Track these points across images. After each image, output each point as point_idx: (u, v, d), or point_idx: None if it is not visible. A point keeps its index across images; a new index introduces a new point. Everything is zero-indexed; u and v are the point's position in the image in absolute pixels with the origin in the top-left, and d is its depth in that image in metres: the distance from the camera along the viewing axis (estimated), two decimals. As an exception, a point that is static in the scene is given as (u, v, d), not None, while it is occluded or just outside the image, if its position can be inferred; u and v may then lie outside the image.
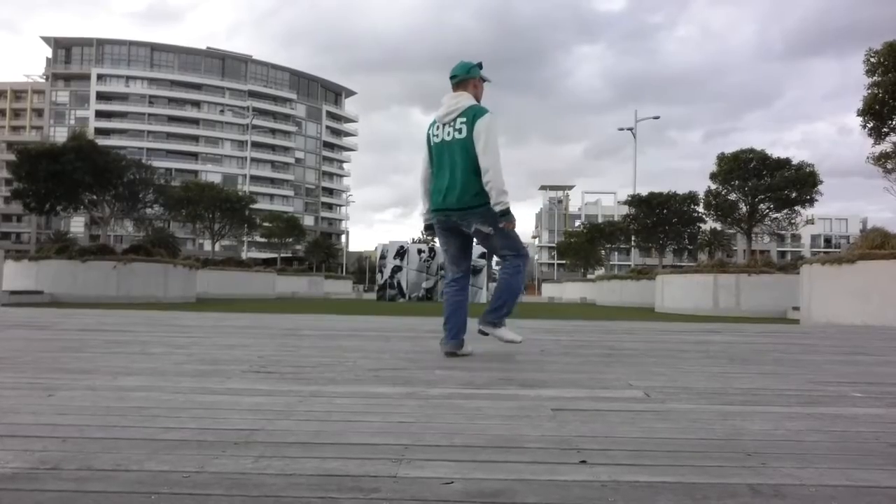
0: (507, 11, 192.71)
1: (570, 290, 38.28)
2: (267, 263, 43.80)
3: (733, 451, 1.69)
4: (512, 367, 3.32)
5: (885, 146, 19.46)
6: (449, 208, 3.66)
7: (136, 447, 1.62)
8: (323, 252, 67.92)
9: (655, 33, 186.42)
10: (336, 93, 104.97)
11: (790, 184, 28.90)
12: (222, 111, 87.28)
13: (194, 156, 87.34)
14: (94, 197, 29.61)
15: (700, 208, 33.98)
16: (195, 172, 78.33)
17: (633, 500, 1.30)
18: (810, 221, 34.43)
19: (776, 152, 30.95)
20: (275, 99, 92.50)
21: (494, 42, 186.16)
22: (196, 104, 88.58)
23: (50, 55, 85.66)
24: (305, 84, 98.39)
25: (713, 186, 31.11)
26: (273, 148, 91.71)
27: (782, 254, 76.52)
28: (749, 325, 8.86)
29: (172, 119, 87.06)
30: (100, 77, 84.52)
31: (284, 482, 1.37)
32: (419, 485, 1.36)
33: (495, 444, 1.71)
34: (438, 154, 3.71)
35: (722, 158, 30.30)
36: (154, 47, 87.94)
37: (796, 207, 30.09)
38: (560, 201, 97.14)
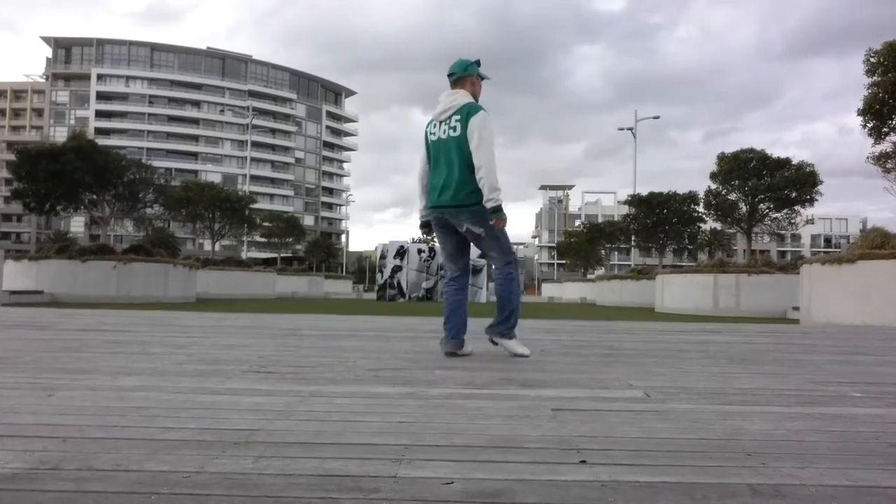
0: (507, 11, 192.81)
1: (569, 290, 38.28)
2: (267, 263, 43.78)
3: (733, 451, 1.69)
4: (512, 367, 3.32)
5: (885, 146, 19.46)
6: (443, 205, 3.67)
7: (136, 447, 1.62)
8: (323, 252, 67.91)
9: (655, 33, 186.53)
10: (336, 93, 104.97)
11: (790, 184, 28.90)
12: (222, 111, 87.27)
13: (194, 156, 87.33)
14: (94, 197, 29.60)
15: (700, 208, 33.99)
16: (195, 172, 78.32)
17: (633, 500, 1.30)
18: (810, 221, 34.42)
19: (776, 152, 30.96)
20: (275, 99, 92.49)
21: (494, 42, 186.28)
22: (196, 104, 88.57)
23: (50, 55, 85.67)
24: (305, 84, 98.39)
25: (713, 186, 31.10)
26: (273, 148, 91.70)
27: (782, 254, 76.52)
28: (749, 325, 8.86)
29: (172, 119, 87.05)
30: (100, 77, 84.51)
31: (284, 482, 1.37)
32: (419, 485, 1.36)
33: (495, 444, 1.71)
34: (435, 152, 3.72)
35: (722, 158, 30.30)
36: (154, 47, 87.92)
37: (796, 207, 30.09)
38: (560, 201, 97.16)
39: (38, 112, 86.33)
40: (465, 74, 3.76)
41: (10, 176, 29.41)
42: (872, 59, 18.76)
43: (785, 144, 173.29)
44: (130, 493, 1.29)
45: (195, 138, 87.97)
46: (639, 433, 1.88)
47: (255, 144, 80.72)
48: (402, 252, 25.47)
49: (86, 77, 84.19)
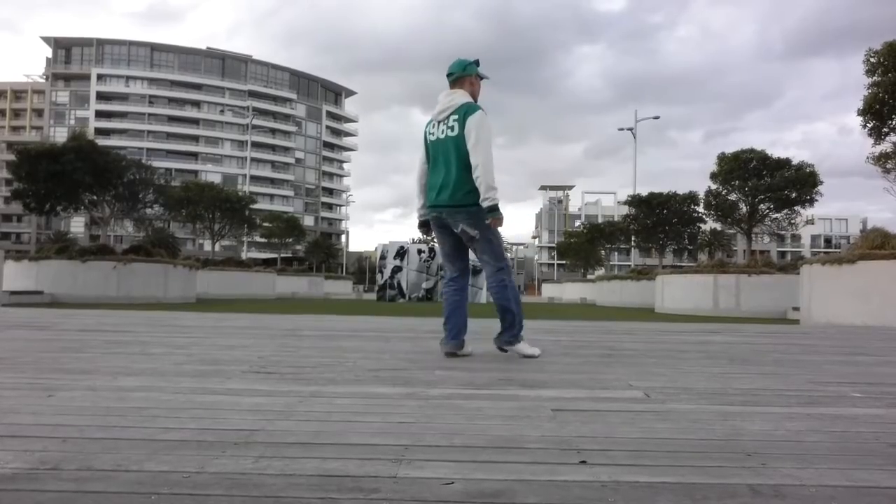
0: (508, 11, 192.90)
1: (569, 291, 38.29)
2: (267, 263, 43.78)
3: (733, 451, 1.69)
4: (512, 368, 3.32)
5: (885, 146, 19.47)
6: (441, 205, 3.67)
7: (135, 447, 1.62)
8: (323, 252, 67.90)
9: (655, 33, 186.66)
10: (336, 93, 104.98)
11: (790, 184, 28.90)
12: (222, 111, 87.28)
13: (194, 156, 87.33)
14: (94, 197, 29.61)
15: (700, 208, 34.00)
16: (195, 172, 78.31)
17: (633, 500, 1.30)
18: (810, 221, 34.44)
19: (776, 152, 31.00)
20: (275, 99, 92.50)
21: (495, 42, 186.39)
22: (196, 104, 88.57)
23: (50, 55, 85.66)
24: (305, 84, 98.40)
25: (713, 186, 31.11)
26: (273, 148, 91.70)
27: (782, 254, 76.50)
28: (749, 325, 8.86)
29: (172, 119, 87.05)
30: (100, 77, 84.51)
31: (284, 482, 1.37)
32: (419, 485, 1.36)
33: (495, 445, 1.71)
34: (434, 152, 3.73)
35: (722, 158, 30.31)
36: (154, 47, 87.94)
37: (796, 207, 30.09)
38: (560, 201, 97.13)
39: (38, 112, 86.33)
40: (463, 74, 3.76)
41: (10, 176, 29.40)
42: (872, 59, 18.77)
43: (785, 144, 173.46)
44: (130, 494, 1.29)
45: (195, 138, 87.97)
46: (639, 433, 1.88)
47: (255, 144, 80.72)
48: (402, 252, 25.47)
49: (86, 77, 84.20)
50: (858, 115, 19.27)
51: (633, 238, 39.81)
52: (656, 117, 40.51)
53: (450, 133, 3.62)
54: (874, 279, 10.01)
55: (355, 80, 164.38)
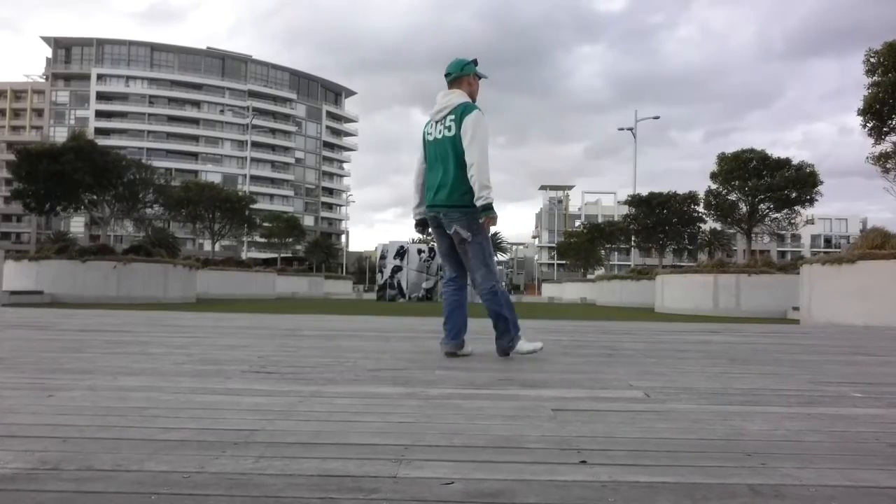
0: (508, 12, 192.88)
1: (569, 291, 38.29)
2: (267, 263, 43.80)
3: (733, 451, 1.69)
4: (512, 368, 3.32)
5: (885, 146, 19.48)
6: (438, 205, 3.67)
7: (136, 447, 1.62)
8: (323, 252, 67.92)
9: (656, 33, 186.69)
10: (336, 93, 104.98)
11: (790, 184, 28.92)
12: (222, 111, 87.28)
13: (194, 156, 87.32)
14: (94, 197, 29.63)
15: (700, 208, 34.02)
16: (195, 172, 78.27)
17: (633, 500, 1.30)
18: (810, 221, 34.48)
19: (776, 152, 31.01)
20: (275, 99, 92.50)
21: (495, 42, 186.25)
22: (196, 104, 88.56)
23: (50, 55, 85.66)
24: (305, 84, 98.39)
25: (713, 186, 31.13)
26: (273, 148, 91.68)
27: (782, 254, 76.49)
28: (749, 325, 8.86)
29: (172, 119, 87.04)
30: (100, 77, 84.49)
31: (284, 482, 1.37)
32: (419, 485, 1.36)
33: (495, 445, 1.71)
34: (432, 152, 3.73)
35: (722, 158, 30.33)
36: (154, 47, 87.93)
37: (796, 207, 30.12)
38: (560, 201, 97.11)
39: (38, 112, 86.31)
40: (461, 74, 3.76)
41: (10, 176, 29.42)
42: (872, 60, 18.78)
43: (785, 144, 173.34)
44: (130, 494, 1.29)
45: (195, 138, 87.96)
46: (639, 433, 1.89)
47: (255, 144, 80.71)
48: (402, 252, 25.47)
49: (86, 77, 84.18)
50: (858, 115, 19.29)
51: (633, 238, 39.84)
52: (656, 117, 40.52)
53: (447, 133, 3.62)
54: (874, 279, 10.01)
55: (356, 80, 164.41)
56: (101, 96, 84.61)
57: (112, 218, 31.73)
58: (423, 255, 25.42)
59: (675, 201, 34.74)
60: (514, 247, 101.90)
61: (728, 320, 12.07)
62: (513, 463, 1.55)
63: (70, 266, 15.92)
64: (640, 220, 36.47)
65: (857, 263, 10.30)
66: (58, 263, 15.96)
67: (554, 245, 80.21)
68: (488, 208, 3.52)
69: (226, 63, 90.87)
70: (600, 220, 60.71)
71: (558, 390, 2.63)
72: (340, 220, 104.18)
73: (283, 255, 59.36)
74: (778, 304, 15.45)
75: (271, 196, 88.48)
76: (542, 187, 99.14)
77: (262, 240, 57.82)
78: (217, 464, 1.49)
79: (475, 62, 3.83)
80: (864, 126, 19.34)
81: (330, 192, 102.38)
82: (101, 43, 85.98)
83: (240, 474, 1.41)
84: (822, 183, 29.26)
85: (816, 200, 29.81)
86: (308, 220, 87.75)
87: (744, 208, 30.54)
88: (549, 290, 48.07)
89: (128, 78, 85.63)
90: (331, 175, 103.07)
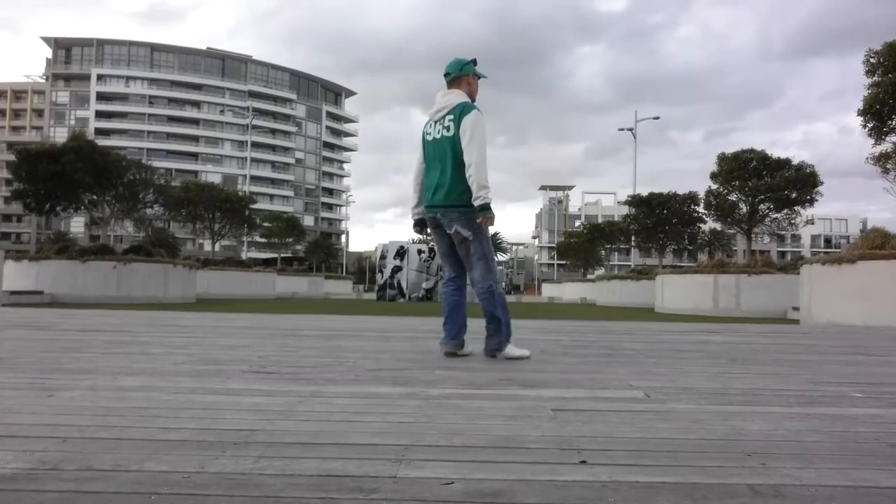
0: (508, 12, 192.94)
1: (569, 291, 38.29)
2: (267, 263, 43.79)
3: (733, 451, 1.69)
4: (512, 368, 3.32)
5: (886, 146, 19.48)
6: (436, 205, 3.67)
7: (136, 447, 1.62)
8: (323, 252, 67.91)
9: (656, 33, 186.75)
10: (336, 93, 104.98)
11: (790, 184, 28.93)
12: (222, 111, 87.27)
13: (194, 156, 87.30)
14: (94, 197, 29.63)
15: (700, 208, 34.03)
16: (195, 172, 78.26)
17: (633, 500, 1.30)
18: (810, 222, 34.48)
19: (776, 152, 31.05)
20: (275, 99, 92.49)
21: (495, 42, 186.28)
22: (196, 104, 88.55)
23: (50, 55, 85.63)
24: (305, 84, 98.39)
25: (713, 186, 31.14)
26: (273, 148, 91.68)
27: (782, 254, 76.47)
28: (749, 325, 8.86)
29: (172, 119, 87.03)
30: (100, 77, 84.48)
31: (284, 482, 1.37)
32: (419, 485, 1.36)
33: (495, 445, 1.71)
34: (431, 152, 3.73)
35: (722, 158, 30.34)
36: (154, 47, 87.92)
37: (796, 207, 30.12)
38: (560, 201, 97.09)
39: (39, 112, 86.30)
40: (460, 74, 3.75)
41: (11, 176, 29.43)
42: (872, 60, 18.78)
43: (785, 144, 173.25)
44: (130, 494, 1.29)
45: (195, 139, 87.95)
46: (639, 433, 1.88)
47: (255, 145, 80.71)
48: (402, 252, 25.47)
49: (86, 77, 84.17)
50: (858, 115, 19.29)
51: (633, 238, 39.84)
52: (656, 117, 40.56)
53: (445, 133, 3.62)
54: (874, 279, 10.01)
55: (356, 80, 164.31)
56: (101, 96, 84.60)
57: (112, 218, 31.73)
58: (423, 255, 25.42)
59: (675, 201, 34.75)
60: (514, 247, 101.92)
61: (728, 320, 12.07)
62: (513, 463, 1.55)
63: (70, 266, 15.92)
64: (640, 221, 36.47)
65: (857, 263, 10.30)
66: (58, 263, 15.97)
67: (554, 245, 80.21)
68: (486, 208, 3.51)
69: (226, 63, 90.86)
70: (600, 220, 60.71)
71: (558, 390, 2.63)
72: (340, 220, 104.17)
73: (283, 255, 59.36)
74: (778, 304, 15.45)
75: (271, 196, 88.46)
76: (542, 187, 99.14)
77: (262, 240, 57.82)
78: (217, 464, 1.49)
79: (474, 62, 3.82)
80: (864, 126, 19.35)
81: (330, 192, 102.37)
82: (101, 43, 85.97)
83: (240, 474, 1.41)
84: (822, 183, 29.28)
85: (816, 201, 29.83)
86: (308, 220, 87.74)
87: (744, 208, 30.55)
88: (549, 291, 48.08)
89: (128, 78, 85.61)
90: (331, 175, 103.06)
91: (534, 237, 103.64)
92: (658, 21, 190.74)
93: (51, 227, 72.72)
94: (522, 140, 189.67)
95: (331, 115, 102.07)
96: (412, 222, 4.00)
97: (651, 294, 20.59)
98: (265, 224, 50.47)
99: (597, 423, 2.00)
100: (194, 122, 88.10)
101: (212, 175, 75.52)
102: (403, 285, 25.23)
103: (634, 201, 36.11)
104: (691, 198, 34.35)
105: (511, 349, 3.67)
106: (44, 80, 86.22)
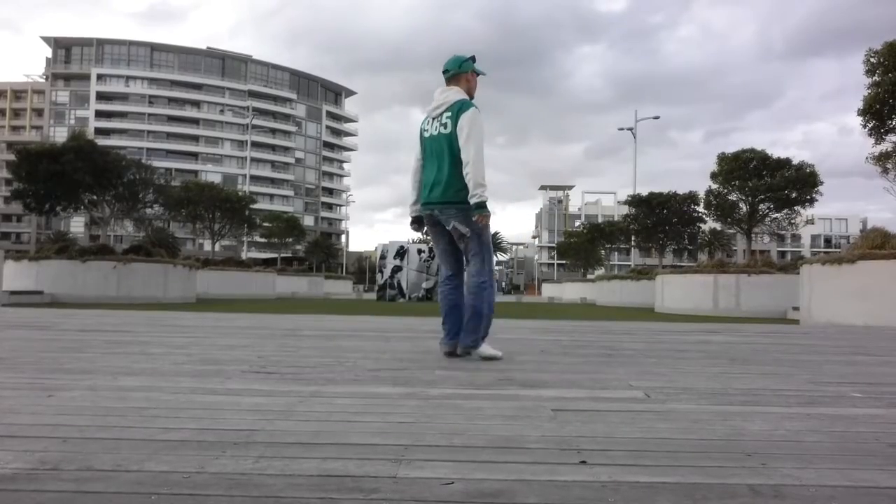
0: (508, 12, 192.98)
1: (569, 291, 38.27)
2: (267, 263, 43.79)
3: (733, 451, 1.69)
4: (512, 368, 3.32)
5: (886, 146, 19.49)
6: (433, 202, 3.66)
7: (136, 447, 1.62)
8: (323, 252, 67.94)
9: (656, 33, 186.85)
10: (336, 93, 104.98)
11: (790, 184, 28.96)
12: (222, 111, 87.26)
13: (194, 156, 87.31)
14: (94, 197, 29.65)
15: (700, 208, 34.05)
16: (195, 172, 78.27)
17: (633, 500, 1.30)
18: (810, 221, 34.52)
19: (777, 152, 31.07)
20: (275, 99, 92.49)
21: (495, 42, 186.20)
22: (196, 104, 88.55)
23: (50, 55, 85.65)
24: (305, 84, 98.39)
25: (714, 186, 31.16)
26: (273, 148, 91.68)
27: (782, 254, 76.47)
28: (749, 325, 8.86)
29: (172, 119, 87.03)
30: (100, 77, 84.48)
31: (284, 482, 1.37)
32: (419, 485, 1.36)
33: (495, 445, 1.71)
34: (428, 148, 3.73)
35: (722, 158, 30.36)
36: (154, 47, 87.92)
37: (796, 207, 30.15)
38: (560, 201, 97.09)
39: (38, 112, 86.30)
40: (459, 71, 3.75)
41: (10, 176, 29.44)
42: (872, 60, 18.79)
43: (785, 144, 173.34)
44: (130, 494, 1.29)
45: (195, 138, 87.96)
46: (639, 433, 1.88)
47: (255, 144, 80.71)
48: (402, 252, 25.47)
49: (86, 77, 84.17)
50: (858, 115, 19.31)
51: (633, 238, 39.85)
52: (656, 117, 40.53)
53: (443, 130, 3.62)
54: (874, 279, 10.01)
55: (356, 80, 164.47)
56: (101, 96, 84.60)
57: (112, 218, 31.75)
58: (423, 255, 25.41)
59: (675, 201, 34.78)
60: (514, 247, 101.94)
61: (728, 320, 12.07)
62: (513, 463, 1.55)
63: (70, 266, 15.91)
64: (640, 220, 36.49)
65: (857, 263, 10.30)
66: (58, 263, 15.96)
67: (554, 245, 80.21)
68: (482, 206, 3.51)
69: (226, 63, 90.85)
70: (600, 220, 60.73)
71: (558, 390, 2.63)
72: (340, 220, 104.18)
73: (283, 255, 59.37)
74: (778, 304, 15.44)
75: (271, 196, 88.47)
76: (542, 187, 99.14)
77: (262, 240, 57.85)
78: (217, 464, 1.49)
79: (473, 59, 3.82)
80: (864, 126, 19.36)
81: (330, 192, 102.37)
82: (101, 43, 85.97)
83: (240, 474, 1.41)
84: (822, 183, 29.32)
85: (816, 200, 29.87)
86: (308, 220, 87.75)
87: (744, 208, 30.58)
88: (549, 290, 48.05)
89: (128, 78, 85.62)
90: (331, 175, 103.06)
91: (534, 237, 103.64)
92: (658, 21, 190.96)
93: (51, 227, 72.73)
94: (522, 140, 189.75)
95: (331, 115, 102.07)
96: (410, 219, 3.99)
97: (651, 294, 20.59)
98: (265, 224, 50.48)
99: (597, 424, 2.00)
100: (194, 121, 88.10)
101: (212, 175, 75.53)
102: (403, 285, 25.23)
103: (634, 201, 36.13)
104: (691, 198, 34.37)
105: (486, 348, 3.63)
106: (44, 80, 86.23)
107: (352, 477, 1.41)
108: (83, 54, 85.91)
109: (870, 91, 18.85)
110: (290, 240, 56.50)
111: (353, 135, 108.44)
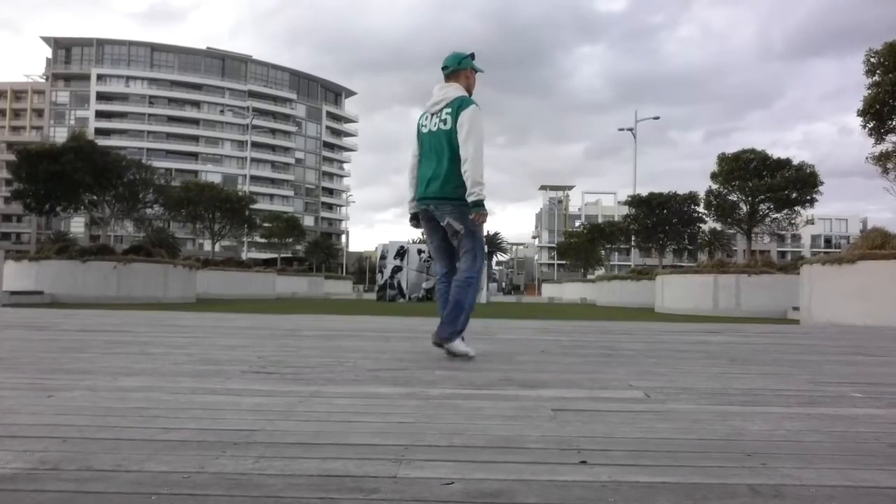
0: (509, 12, 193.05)
1: (569, 291, 38.28)
2: (267, 264, 43.79)
3: (733, 451, 1.69)
4: (512, 368, 3.32)
5: (886, 146, 19.49)
6: (430, 197, 3.66)
7: (136, 448, 1.62)
8: (323, 252, 67.93)
9: (656, 33, 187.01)
10: (336, 93, 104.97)
11: (790, 184, 28.96)
12: (222, 111, 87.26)
13: (194, 156, 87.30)
14: (94, 197, 29.64)
15: (700, 208, 34.06)
16: (195, 172, 78.29)
17: (633, 500, 1.30)
18: (810, 222, 34.50)
19: (777, 152, 31.12)
20: (275, 99, 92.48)
21: (495, 42, 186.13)
22: (196, 104, 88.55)
23: (50, 55, 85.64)
24: (305, 84, 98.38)
25: (714, 186, 31.16)
26: (273, 148, 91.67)
27: (782, 254, 76.44)
28: (749, 325, 8.86)
29: (172, 119, 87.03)
30: (100, 77, 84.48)
31: (284, 482, 1.37)
32: (419, 485, 1.36)
33: (495, 445, 1.71)
34: (426, 144, 3.72)
35: (723, 159, 30.37)
36: (154, 47, 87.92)
37: (796, 208, 30.15)
38: (560, 201, 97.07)
39: (38, 112, 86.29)
40: (458, 68, 3.75)
41: (10, 176, 29.44)
42: (873, 60, 18.79)
43: (785, 144, 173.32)
44: (130, 494, 1.29)
45: (195, 138, 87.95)
46: (639, 433, 1.88)
47: (255, 145, 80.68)
48: (402, 252, 25.46)
49: (86, 77, 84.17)
50: (858, 115, 19.31)
51: (633, 238, 39.85)
52: (656, 117, 40.56)
53: (442, 126, 3.61)
54: (874, 279, 10.01)
55: (356, 80, 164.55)
56: (101, 96, 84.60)
57: (112, 218, 31.74)
58: (423, 255, 25.40)
59: (675, 201, 34.79)
60: (514, 247, 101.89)
61: (728, 320, 12.07)
62: (513, 463, 1.55)
63: (70, 266, 15.91)
64: (640, 221, 36.50)
65: (857, 263, 10.30)
66: (58, 263, 15.96)
67: (554, 245, 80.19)
68: (479, 205, 3.50)
69: (226, 63, 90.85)
70: (600, 220, 60.70)
71: (558, 390, 2.63)
72: (340, 220, 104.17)
73: (283, 255, 59.37)
74: (778, 304, 15.44)
75: (271, 196, 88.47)
76: (542, 187, 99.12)
77: (262, 240, 57.84)
78: (217, 464, 1.49)
79: (473, 56, 3.82)
80: (864, 126, 19.36)
81: (330, 192, 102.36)
82: (101, 43, 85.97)
83: (240, 474, 1.41)
84: (822, 183, 29.32)
85: (816, 201, 29.87)
86: (308, 221, 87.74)
87: (744, 208, 30.58)
88: (549, 291, 48.05)
89: (128, 78, 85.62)
90: (331, 175, 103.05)
91: (534, 237, 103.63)
92: (658, 21, 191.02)
93: (51, 227, 72.71)
94: (522, 140, 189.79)
95: (331, 115, 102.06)
96: (409, 216, 3.98)
97: (651, 294, 20.58)
98: (265, 224, 50.48)
99: (597, 424, 2.00)
100: (194, 121, 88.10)
101: (212, 175, 75.53)
102: (403, 285, 25.22)
103: (634, 201, 36.13)
104: (691, 198, 34.38)
105: (459, 344, 3.61)
106: (44, 80, 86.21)
107: (352, 477, 1.41)
108: (83, 54, 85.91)
109: (870, 91, 18.86)
110: (290, 240, 56.50)
111: (353, 135, 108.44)
